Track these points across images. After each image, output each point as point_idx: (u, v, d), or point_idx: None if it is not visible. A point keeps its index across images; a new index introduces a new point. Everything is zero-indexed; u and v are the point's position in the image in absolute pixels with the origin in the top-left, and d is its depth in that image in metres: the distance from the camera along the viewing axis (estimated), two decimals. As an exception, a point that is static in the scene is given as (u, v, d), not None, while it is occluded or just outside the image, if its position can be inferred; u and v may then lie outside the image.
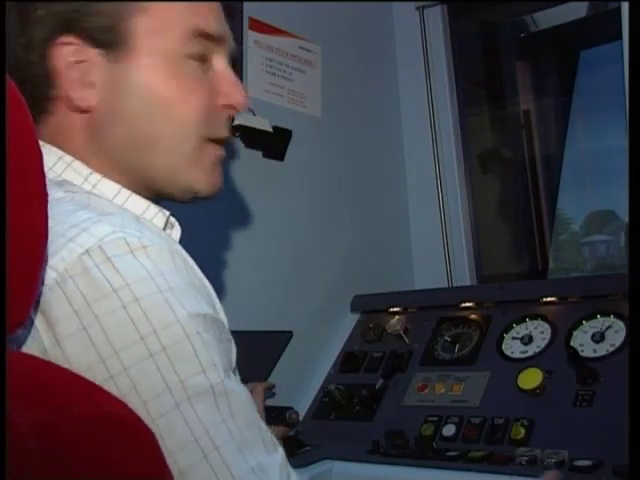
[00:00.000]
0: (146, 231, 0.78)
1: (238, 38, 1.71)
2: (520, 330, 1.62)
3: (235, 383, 0.78)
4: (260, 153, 1.77)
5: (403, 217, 2.15)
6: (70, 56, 0.87)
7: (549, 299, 1.64)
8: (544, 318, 1.61)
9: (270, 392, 1.56)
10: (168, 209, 0.92)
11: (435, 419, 1.52)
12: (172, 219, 0.93)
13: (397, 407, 1.61)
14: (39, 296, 0.71)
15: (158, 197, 0.93)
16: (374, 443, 1.50)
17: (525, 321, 1.63)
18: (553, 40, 2.27)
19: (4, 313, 0.58)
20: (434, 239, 2.10)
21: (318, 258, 1.89)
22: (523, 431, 1.39)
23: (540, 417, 1.41)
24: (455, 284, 2.07)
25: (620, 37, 1.63)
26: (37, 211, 0.63)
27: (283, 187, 1.83)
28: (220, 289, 1.59)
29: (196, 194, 0.93)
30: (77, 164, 0.88)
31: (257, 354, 1.54)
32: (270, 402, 1.54)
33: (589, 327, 1.53)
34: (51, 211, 0.73)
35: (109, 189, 0.88)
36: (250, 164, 1.75)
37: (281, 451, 0.79)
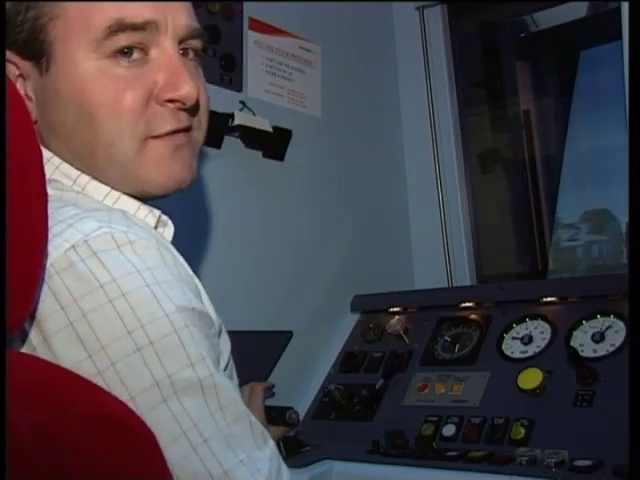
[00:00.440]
0: (133, 227, 0.78)
1: (238, 38, 1.72)
2: (520, 330, 1.62)
3: (223, 377, 0.77)
4: (260, 153, 1.77)
5: (403, 217, 2.15)
6: (9, 70, 0.86)
7: (549, 299, 1.64)
8: (544, 318, 1.61)
9: (270, 392, 1.56)
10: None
11: (435, 419, 1.52)
12: (164, 217, 0.91)
13: (397, 407, 1.61)
14: None
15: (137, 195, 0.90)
16: (374, 443, 1.50)
17: (525, 321, 1.63)
18: (553, 40, 2.27)
19: (4, 313, 0.58)
20: (434, 239, 2.10)
21: (318, 258, 1.89)
22: (523, 431, 1.39)
23: (540, 417, 1.41)
24: (455, 284, 2.07)
25: (620, 37, 1.63)
26: (37, 211, 0.63)
27: (283, 187, 1.83)
28: (220, 289, 1.58)
29: (156, 190, 0.88)
30: (65, 166, 0.87)
31: (257, 354, 1.54)
32: (270, 402, 1.54)
33: (589, 327, 1.53)
34: None
35: (98, 191, 0.87)
36: (250, 164, 1.75)
37: (271, 444, 0.79)
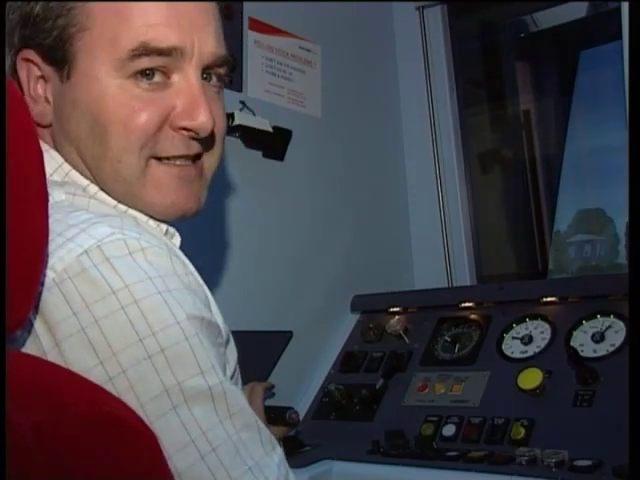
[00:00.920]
0: (145, 233, 0.78)
1: (238, 38, 1.72)
2: (520, 330, 1.62)
3: (232, 384, 0.78)
4: (260, 153, 1.77)
5: (403, 217, 2.15)
6: (31, 71, 0.87)
7: (549, 299, 1.64)
8: (544, 318, 1.61)
9: (270, 392, 1.56)
10: None
11: (435, 419, 1.52)
12: (171, 229, 0.92)
13: (397, 407, 1.61)
14: (38, 297, 0.71)
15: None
16: (374, 443, 1.50)
17: (525, 321, 1.63)
18: (553, 40, 2.26)
19: (4, 313, 0.58)
20: (434, 239, 2.10)
21: (318, 258, 1.89)
22: (523, 431, 1.39)
23: (540, 417, 1.41)
24: (455, 284, 2.07)
25: (620, 37, 1.63)
26: (37, 211, 0.63)
27: (283, 187, 1.83)
28: (220, 289, 1.59)
29: (157, 215, 0.88)
30: (74, 174, 0.88)
31: (257, 354, 1.54)
32: (270, 402, 1.54)
33: (589, 327, 1.53)
34: (50, 210, 0.73)
35: (107, 202, 0.88)
36: (250, 164, 1.75)
37: (279, 451, 0.79)
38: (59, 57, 0.85)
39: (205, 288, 0.83)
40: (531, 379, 1.45)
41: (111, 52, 0.83)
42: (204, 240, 1.47)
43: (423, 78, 2.12)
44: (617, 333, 1.48)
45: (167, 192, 0.87)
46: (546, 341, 1.56)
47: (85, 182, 0.87)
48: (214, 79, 0.91)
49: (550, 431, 1.37)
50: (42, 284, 0.71)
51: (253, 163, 1.75)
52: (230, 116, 1.66)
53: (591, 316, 1.54)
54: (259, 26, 1.79)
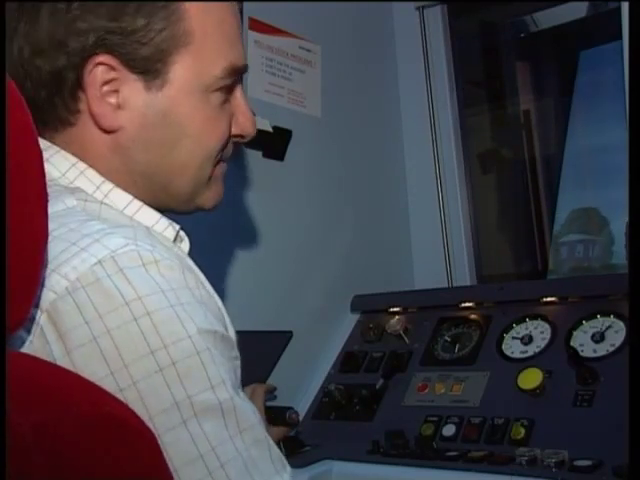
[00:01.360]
0: (158, 245, 0.78)
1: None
2: (520, 330, 1.62)
3: (243, 400, 0.77)
4: (260, 153, 1.77)
5: (403, 217, 2.15)
6: (104, 75, 0.86)
7: (549, 299, 1.64)
8: (544, 318, 1.61)
9: (271, 395, 1.56)
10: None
11: (435, 419, 1.52)
12: (182, 233, 0.93)
13: (397, 407, 1.61)
14: (51, 304, 0.71)
15: (160, 208, 0.93)
16: (374, 443, 1.50)
17: (525, 321, 1.63)
18: (553, 40, 2.26)
19: (4, 313, 0.58)
20: (434, 239, 2.10)
21: (318, 258, 1.89)
22: (523, 431, 1.39)
23: (540, 417, 1.41)
24: (455, 284, 2.07)
25: (620, 37, 1.63)
26: (37, 211, 0.63)
27: (283, 187, 1.83)
28: (220, 289, 1.58)
29: (203, 209, 0.97)
30: (90, 172, 0.88)
31: (257, 354, 1.54)
32: (270, 402, 1.54)
33: (589, 327, 1.53)
34: (63, 219, 0.74)
35: (121, 199, 0.88)
36: (250, 164, 1.75)
37: (289, 470, 0.79)
38: (153, 68, 0.86)
39: (217, 299, 0.84)
40: (531, 379, 1.45)
41: (209, 70, 0.90)
42: (204, 240, 1.46)
43: (423, 78, 2.12)
44: (617, 333, 1.48)
45: (219, 188, 0.97)
46: (546, 341, 1.56)
47: (100, 180, 0.87)
48: None
49: (550, 431, 1.38)
50: (55, 293, 0.71)
51: (253, 163, 1.75)
52: (230, 116, 1.66)
53: (591, 316, 1.54)
54: (259, 26, 1.79)
